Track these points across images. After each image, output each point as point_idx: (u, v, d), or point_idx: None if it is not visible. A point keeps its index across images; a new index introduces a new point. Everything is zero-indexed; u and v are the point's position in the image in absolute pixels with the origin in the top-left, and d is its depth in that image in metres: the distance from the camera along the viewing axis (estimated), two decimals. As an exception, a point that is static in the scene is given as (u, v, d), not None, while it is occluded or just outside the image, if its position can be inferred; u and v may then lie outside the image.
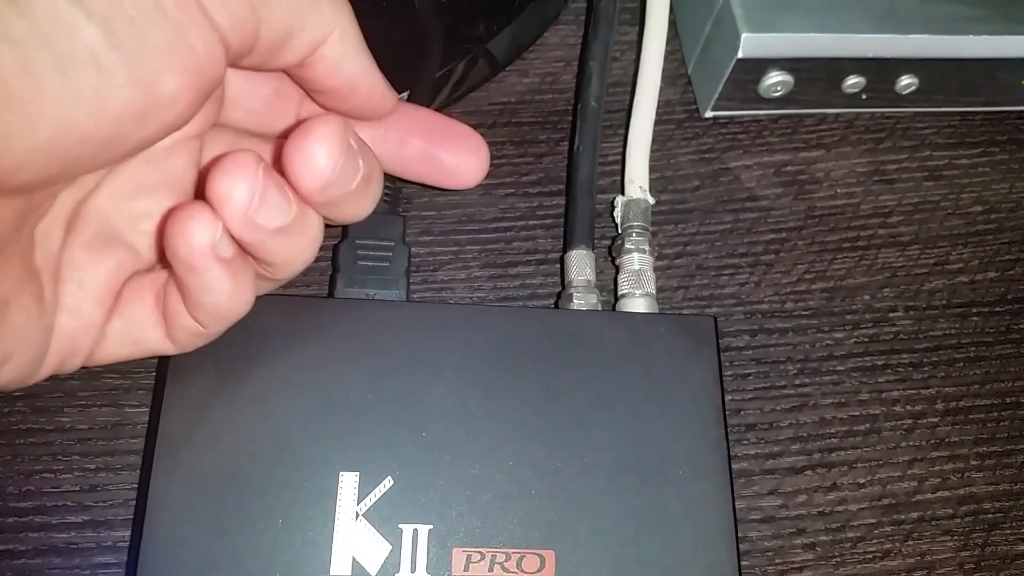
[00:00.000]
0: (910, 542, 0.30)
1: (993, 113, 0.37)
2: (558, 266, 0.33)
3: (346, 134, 0.22)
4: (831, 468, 0.31)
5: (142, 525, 0.23)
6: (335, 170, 0.22)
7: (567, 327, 0.27)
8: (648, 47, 0.33)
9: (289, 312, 0.26)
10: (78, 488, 0.28)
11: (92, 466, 0.29)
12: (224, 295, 0.22)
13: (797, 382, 0.32)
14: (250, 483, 0.24)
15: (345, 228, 0.29)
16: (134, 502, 0.28)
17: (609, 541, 0.25)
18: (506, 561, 0.24)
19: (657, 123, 0.34)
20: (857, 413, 0.32)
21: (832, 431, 0.31)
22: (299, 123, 0.24)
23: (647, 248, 0.30)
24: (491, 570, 0.24)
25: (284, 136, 0.27)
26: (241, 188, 0.20)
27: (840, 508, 0.30)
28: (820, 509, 0.30)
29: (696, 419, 0.26)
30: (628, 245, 0.30)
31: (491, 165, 0.34)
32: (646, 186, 0.32)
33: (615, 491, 0.25)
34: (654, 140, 0.34)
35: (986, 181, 0.36)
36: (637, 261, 0.30)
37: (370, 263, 0.28)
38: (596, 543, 0.25)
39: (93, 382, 0.30)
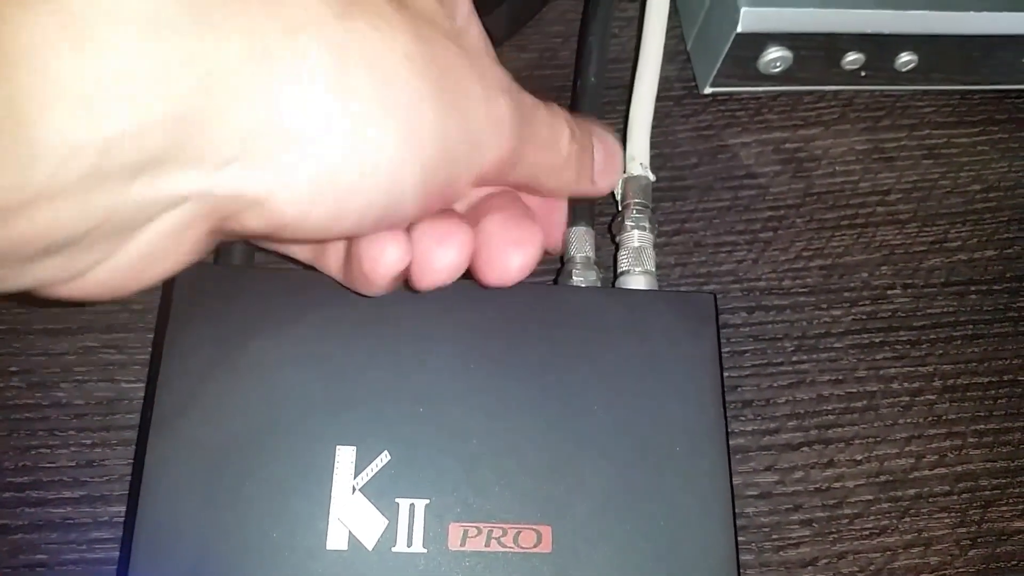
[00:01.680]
0: (907, 519, 0.30)
1: (992, 92, 0.37)
2: (555, 243, 0.33)
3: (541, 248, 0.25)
4: (828, 445, 0.31)
5: (138, 499, 0.23)
6: (522, 275, 0.25)
7: (566, 303, 0.27)
8: (649, 24, 0.33)
9: (285, 286, 0.26)
10: (74, 463, 0.28)
11: (88, 441, 0.29)
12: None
13: (794, 359, 0.32)
14: (246, 457, 0.24)
15: None
16: (130, 477, 0.28)
17: (606, 517, 0.25)
18: (503, 536, 0.24)
19: (655, 100, 0.34)
20: (854, 390, 0.32)
21: (829, 408, 0.31)
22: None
23: (647, 225, 0.30)
24: (487, 545, 0.24)
25: None
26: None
27: (837, 484, 0.30)
28: (817, 485, 0.30)
29: (695, 396, 0.26)
30: (628, 222, 0.30)
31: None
32: (647, 163, 0.31)
33: (613, 467, 0.25)
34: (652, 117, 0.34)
35: (985, 160, 0.36)
36: (637, 239, 0.30)
37: None
38: (593, 519, 0.24)
39: (89, 357, 0.30)
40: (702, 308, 0.27)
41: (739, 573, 0.24)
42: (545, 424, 0.25)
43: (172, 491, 0.23)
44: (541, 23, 0.37)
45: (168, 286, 0.25)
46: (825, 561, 0.29)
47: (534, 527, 0.24)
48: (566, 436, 0.25)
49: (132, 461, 0.28)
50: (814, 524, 0.30)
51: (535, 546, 0.24)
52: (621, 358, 0.26)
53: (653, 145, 0.33)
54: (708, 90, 0.35)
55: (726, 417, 0.26)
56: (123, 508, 0.28)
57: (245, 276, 0.26)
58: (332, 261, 0.25)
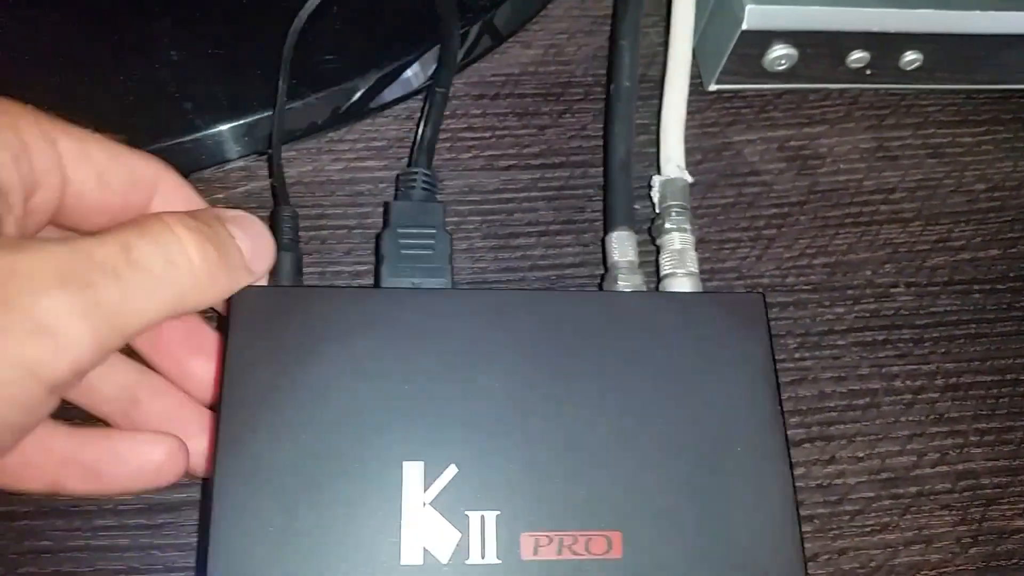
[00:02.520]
0: (908, 516, 0.30)
1: (998, 91, 0.37)
2: (559, 238, 0.33)
3: None
4: (830, 441, 0.31)
5: (210, 521, 0.23)
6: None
7: (616, 309, 0.27)
8: (676, 24, 0.33)
9: (340, 305, 0.26)
10: (79, 451, 0.29)
11: (93, 430, 0.29)
12: None
13: (797, 356, 0.32)
14: (314, 477, 0.24)
15: (386, 217, 0.29)
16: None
17: (673, 520, 0.25)
18: (574, 544, 0.24)
19: (659, 97, 0.34)
20: (857, 387, 0.32)
21: (831, 405, 0.31)
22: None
23: (688, 227, 0.30)
24: (560, 553, 0.24)
25: None
26: None
27: (839, 481, 0.30)
28: (819, 482, 0.30)
29: (751, 396, 0.26)
30: (668, 225, 0.30)
31: (493, 136, 0.34)
32: (683, 164, 0.31)
33: (676, 470, 0.25)
34: (656, 113, 0.34)
35: (990, 159, 0.36)
36: (678, 240, 0.30)
37: (413, 251, 0.28)
38: (661, 522, 0.25)
39: (94, 347, 0.30)
40: (752, 308, 0.27)
41: (805, 570, 0.25)
42: (605, 430, 0.25)
43: (243, 513, 0.23)
44: (546, 19, 0.37)
45: (226, 307, 0.25)
46: (826, 557, 0.29)
47: (604, 533, 0.24)
48: (627, 441, 0.25)
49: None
50: (815, 520, 0.30)
51: (606, 552, 0.24)
52: (674, 361, 0.26)
53: (654, 143, 0.34)
54: (713, 87, 0.35)
55: (783, 415, 0.26)
56: (127, 496, 0.28)
57: (298, 295, 0.26)
58: None
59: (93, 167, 0.24)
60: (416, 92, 0.35)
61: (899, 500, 0.30)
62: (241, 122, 0.32)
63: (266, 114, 0.32)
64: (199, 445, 0.26)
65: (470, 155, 0.34)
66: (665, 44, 0.33)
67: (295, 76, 0.31)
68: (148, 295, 0.22)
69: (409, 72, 0.34)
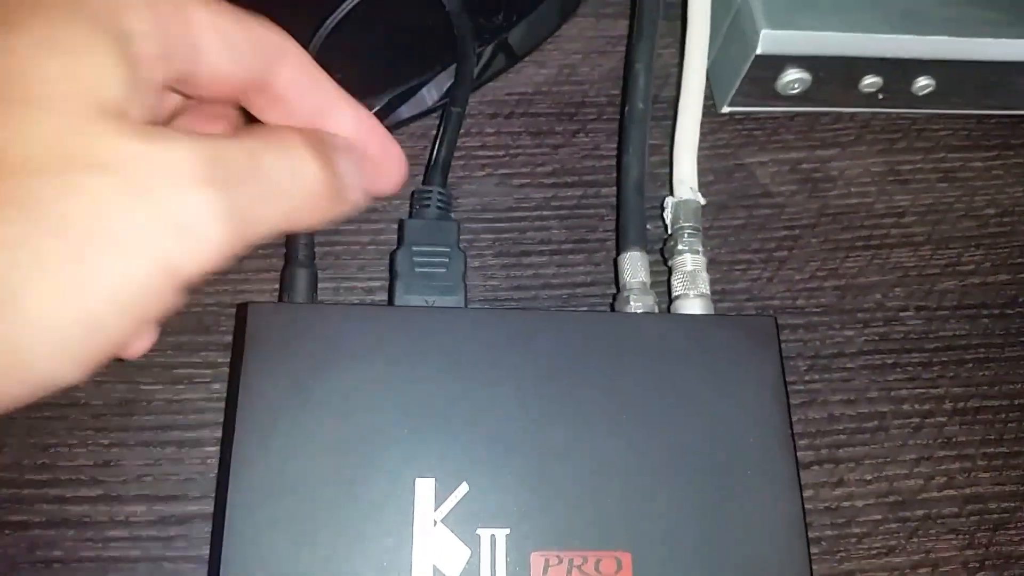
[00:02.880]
0: (915, 539, 0.30)
1: (1008, 116, 0.38)
2: (571, 256, 0.33)
3: None
4: (838, 464, 0.31)
5: (222, 536, 0.23)
6: None
7: (628, 330, 0.27)
8: (691, 48, 0.33)
9: (354, 322, 0.26)
10: (92, 463, 0.29)
11: (106, 441, 0.29)
12: None
13: (807, 378, 0.32)
14: (327, 493, 0.24)
15: (401, 235, 0.29)
16: (147, 478, 0.29)
17: (683, 541, 0.25)
18: (583, 564, 0.24)
19: (673, 118, 0.34)
20: (866, 410, 0.32)
21: (840, 427, 0.32)
22: None
23: (700, 249, 0.30)
24: (569, 573, 0.24)
25: None
26: None
27: (846, 504, 0.31)
28: (826, 504, 0.30)
29: (762, 419, 0.26)
30: (680, 246, 0.30)
31: (507, 155, 0.35)
32: (696, 186, 0.32)
33: (686, 491, 0.25)
34: (668, 134, 0.34)
35: (1000, 184, 0.36)
36: (690, 262, 0.30)
37: (427, 269, 0.29)
38: (671, 544, 0.25)
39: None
40: (763, 331, 0.28)
41: None
42: (616, 450, 0.26)
43: (255, 528, 0.23)
44: (560, 39, 0.37)
45: (240, 323, 0.25)
46: (833, 580, 0.30)
47: (614, 554, 0.24)
48: (638, 462, 0.26)
49: (149, 463, 0.29)
50: (822, 542, 0.30)
51: (616, 573, 0.24)
52: (686, 383, 0.27)
53: (667, 163, 0.34)
54: (726, 109, 0.35)
55: (794, 439, 0.26)
56: (139, 508, 0.28)
57: (312, 312, 0.26)
58: None
59: (223, 35, 0.23)
60: (431, 111, 0.35)
61: (906, 523, 0.31)
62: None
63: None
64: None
65: (484, 173, 0.35)
66: (679, 65, 0.34)
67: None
68: (270, 206, 0.21)
69: (424, 91, 0.34)
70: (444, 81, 0.34)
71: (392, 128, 0.35)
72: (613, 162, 0.35)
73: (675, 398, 0.26)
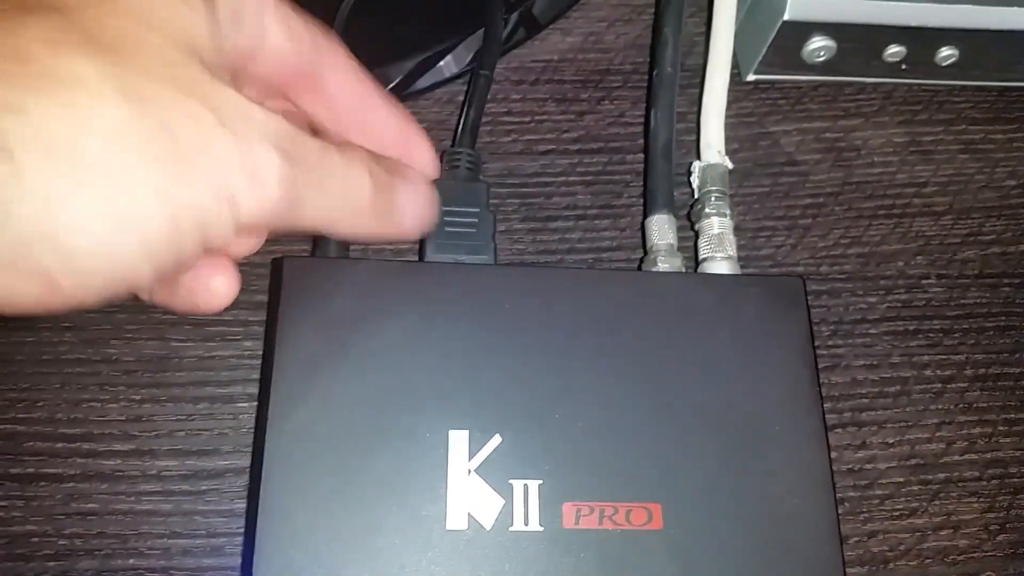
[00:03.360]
0: (937, 502, 0.31)
1: (1030, 89, 0.38)
2: (597, 221, 0.34)
3: None
4: (861, 427, 0.31)
5: (259, 487, 0.23)
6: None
7: (657, 288, 0.28)
8: (719, 12, 0.33)
9: (387, 277, 0.26)
10: (124, 418, 0.29)
11: (138, 397, 0.29)
12: None
13: (830, 343, 0.32)
14: (363, 444, 0.24)
15: None
16: (179, 433, 0.29)
17: (713, 494, 0.25)
18: (615, 514, 0.25)
19: (698, 86, 0.35)
20: (888, 375, 0.32)
21: (863, 392, 0.32)
22: None
23: (727, 212, 0.30)
24: (601, 523, 0.24)
25: None
26: None
27: (869, 466, 0.31)
28: (850, 466, 0.31)
29: (790, 377, 0.27)
30: (708, 209, 0.31)
31: (532, 121, 0.35)
32: (723, 150, 0.32)
33: (715, 446, 0.26)
34: (694, 103, 0.34)
35: (1021, 156, 0.37)
36: (717, 225, 0.30)
37: (457, 229, 0.29)
38: (700, 496, 0.25)
39: (139, 315, 0.30)
40: (792, 291, 0.28)
41: (842, 547, 0.25)
42: (646, 405, 0.26)
43: (292, 479, 0.24)
44: (587, 7, 0.37)
45: (275, 277, 0.26)
46: (856, 539, 0.30)
47: (644, 505, 0.25)
48: (667, 417, 0.26)
49: (180, 417, 0.29)
50: (846, 503, 0.30)
51: (646, 523, 0.25)
52: (714, 341, 0.27)
53: (693, 131, 0.34)
54: (751, 77, 0.35)
55: (821, 397, 0.27)
56: (171, 463, 0.29)
57: (346, 266, 0.27)
58: None
59: (286, 21, 0.24)
60: (457, 76, 0.35)
61: (928, 486, 0.31)
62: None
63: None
64: None
65: (510, 139, 0.35)
66: (706, 34, 0.34)
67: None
68: (320, 203, 0.23)
69: (451, 57, 0.35)
70: (471, 46, 0.34)
71: (419, 93, 0.35)
72: (638, 129, 0.35)
73: (704, 355, 0.27)
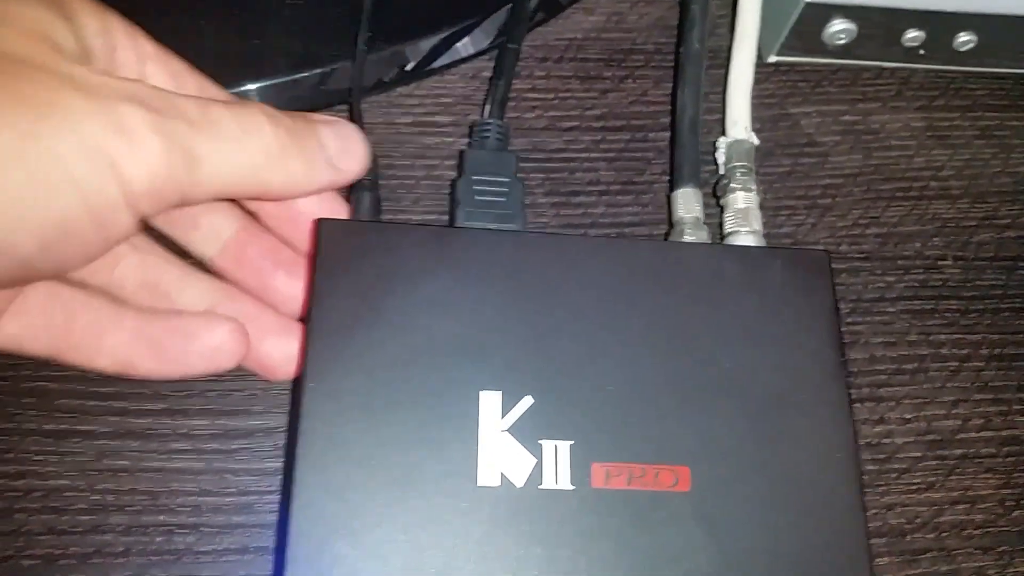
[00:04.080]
0: (953, 477, 0.31)
1: (1045, 78, 0.38)
2: (619, 197, 0.34)
3: None
4: (879, 403, 0.32)
5: (295, 447, 0.24)
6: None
7: (683, 257, 0.28)
8: None
9: (421, 240, 0.27)
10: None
11: (169, 358, 0.30)
12: None
13: (849, 320, 0.33)
14: (397, 404, 0.25)
15: (461, 164, 0.30)
16: (210, 393, 0.29)
17: (739, 459, 0.26)
18: (643, 476, 0.25)
19: (719, 67, 0.35)
20: (906, 353, 0.33)
21: (881, 368, 0.32)
22: None
23: (753, 187, 0.31)
24: (630, 483, 0.25)
25: None
26: None
27: (887, 441, 0.31)
28: (867, 440, 0.31)
29: (815, 348, 0.27)
30: (733, 184, 0.31)
31: (556, 98, 0.35)
32: (749, 126, 0.32)
33: (742, 413, 0.26)
34: (716, 83, 0.35)
35: (1036, 143, 0.37)
36: (743, 199, 0.31)
37: (488, 198, 0.29)
38: (727, 460, 0.25)
39: (171, 279, 0.31)
40: (817, 263, 0.28)
41: (865, 514, 0.25)
42: (674, 371, 0.26)
43: (329, 435, 0.24)
44: (610, -12, 0.38)
45: (315, 239, 0.26)
46: (874, 511, 0.30)
47: (672, 468, 0.25)
48: (695, 383, 0.26)
49: (213, 379, 0.29)
50: (864, 476, 0.31)
51: (674, 485, 0.25)
52: (741, 310, 0.27)
53: (716, 110, 0.35)
54: (772, 59, 0.36)
55: (846, 368, 0.27)
56: (202, 421, 0.29)
57: (380, 229, 0.27)
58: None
59: (171, 68, 0.26)
60: (482, 52, 0.36)
61: (944, 461, 0.31)
62: (317, 72, 0.33)
63: (335, 67, 0.33)
64: (273, 347, 0.27)
65: (534, 115, 0.35)
66: (731, 14, 0.34)
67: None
68: (221, 151, 0.23)
69: (477, 32, 0.35)
70: (496, 22, 0.35)
71: (445, 68, 0.35)
72: (660, 108, 0.36)
73: (730, 324, 0.27)
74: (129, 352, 0.26)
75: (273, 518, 0.28)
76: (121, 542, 0.28)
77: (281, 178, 0.25)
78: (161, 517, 0.28)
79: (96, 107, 0.21)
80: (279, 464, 0.29)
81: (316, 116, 0.26)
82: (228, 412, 0.29)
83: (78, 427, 0.29)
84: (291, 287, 0.28)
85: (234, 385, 0.29)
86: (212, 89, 0.27)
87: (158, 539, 0.28)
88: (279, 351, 0.27)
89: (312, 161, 0.25)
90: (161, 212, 0.23)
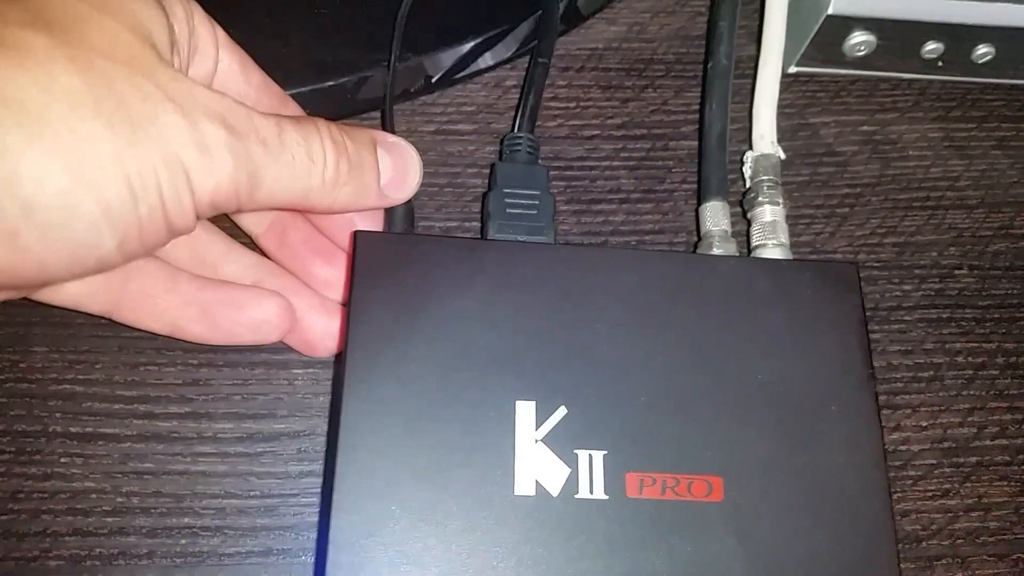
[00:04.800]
0: (968, 484, 0.31)
1: (1061, 90, 0.39)
2: (640, 205, 0.34)
3: None
4: (896, 410, 0.32)
5: (335, 457, 0.24)
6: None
7: (713, 270, 0.28)
8: (771, 5, 0.34)
9: (455, 253, 0.27)
10: (180, 381, 0.30)
11: (195, 362, 0.30)
12: None
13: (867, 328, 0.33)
14: (434, 414, 0.25)
15: (493, 178, 0.30)
16: (235, 397, 0.30)
17: (771, 469, 0.26)
18: (676, 486, 0.25)
19: (740, 77, 0.35)
20: (922, 361, 0.33)
21: (898, 376, 0.33)
22: None
23: (780, 201, 0.31)
24: (663, 493, 0.25)
25: None
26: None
27: (903, 447, 0.32)
28: (884, 447, 0.31)
29: (845, 359, 0.27)
30: (760, 198, 0.31)
31: (578, 107, 0.36)
32: (775, 140, 0.33)
33: (774, 423, 0.26)
34: (736, 93, 0.35)
35: (1051, 154, 0.38)
36: (770, 213, 0.31)
37: (519, 211, 0.29)
38: (760, 471, 0.26)
39: (196, 283, 0.31)
40: (845, 276, 0.29)
41: (894, 522, 0.26)
42: (706, 382, 0.27)
43: (368, 444, 0.24)
44: (630, -2, 0.38)
45: (352, 251, 0.27)
46: (890, 519, 0.31)
47: (705, 478, 0.25)
48: (726, 393, 0.27)
49: (238, 383, 0.30)
50: (881, 484, 0.31)
51: (707, 495, 0.25)
52: (772, 323, 0.28)
53: (735, 119, 0.35)
54: (792, 69, 0.36)
55: (875, 379, 0.27)
56: (227, 425, 0.29)
57: (415, 242, 0.28)
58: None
59: (240, 57, 0.27)
60: (505, 61, 0.36)
61: (960, 469, 0.32)
62: (343, 80, 0.33)
63: (362, 75, 0.33)
64: (315, 322, 0.29)
65: (555, 124, 0.36)
66: (758, 28, 0.35)
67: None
68: (283, 176, 0.24)
69: (500, 42, 0.35)
70: (521, 32, 0.35)
71: (468, 77, 0.36)
72: (680, 117, 0.36)
73: (761, 336, 0.27)
74: (180, 316, 0.28)
75: (296, 521, 0.29)
76: (146, 544, 0.28)
77: (329, 202, 0.26)
78: (185, 520, 0.28)
79: (183, 122, 0.22)
80: (303, 468, 0.29)
81: (380, 137, 0.27)
82: (253, 415, 0.30)
83: (104, 430, 0.29)
84: (328, 273, 0.29)
85: (259, 389, 0.30)
86: (273, 85, 0.28)
87: (182, 541, 0.28)
88: (320, 326, 0.29)
89: (364, 190, 0.27)
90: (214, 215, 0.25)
